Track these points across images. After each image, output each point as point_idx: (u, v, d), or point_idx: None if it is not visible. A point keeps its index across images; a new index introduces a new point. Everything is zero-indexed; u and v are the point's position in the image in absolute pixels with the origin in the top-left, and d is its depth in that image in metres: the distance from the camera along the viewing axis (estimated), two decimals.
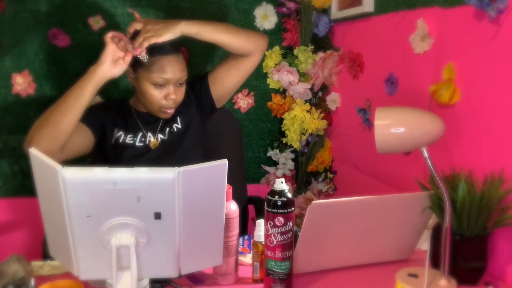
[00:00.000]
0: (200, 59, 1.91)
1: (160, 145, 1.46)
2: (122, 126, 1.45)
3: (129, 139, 1.45)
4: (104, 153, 1.45)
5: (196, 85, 1.53)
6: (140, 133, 1.46)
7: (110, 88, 1.84)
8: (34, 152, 0.87)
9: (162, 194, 0.86)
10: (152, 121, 1.47)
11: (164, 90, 1.38)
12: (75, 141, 1.33)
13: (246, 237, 1.24)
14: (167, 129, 1.49)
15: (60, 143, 1.26)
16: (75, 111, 1.26)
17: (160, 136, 1.47)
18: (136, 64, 1.35)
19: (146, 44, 1.30)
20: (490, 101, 1.17)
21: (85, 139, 1.39)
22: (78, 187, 0.84)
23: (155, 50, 1.34)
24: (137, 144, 1.45)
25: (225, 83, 1.51)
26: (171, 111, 1.42)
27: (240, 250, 1.17)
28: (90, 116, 1.38)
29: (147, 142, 1.46)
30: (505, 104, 1.13)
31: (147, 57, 1.33)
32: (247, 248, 1.22)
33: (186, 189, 0.86)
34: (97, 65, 1.28)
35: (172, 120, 1.49)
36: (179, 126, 1.50)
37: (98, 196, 0.85)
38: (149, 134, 1.46)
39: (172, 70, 1.36)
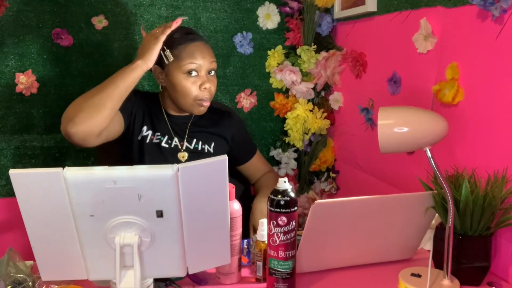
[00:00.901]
0: None
1: (187, 155, 1.45)
2: (151, 124, 1.44)
3: (156, 139, 1.44)
4: (130, 148, 1.43)
5: (243, 143, 1.59)
6: (167, 135, 1.45)
7: None
8: (17, 172, 0.83)
9: (163, 192, 0.86)
10: (180, 127, 1.47)
11: (198, 79, 1.37)
12: (111, 128, 1.32)
13: (245, 242, 1.22)
14: (194, 140, 1.47)
15: (101, 127, 1.25)
16: (120, 97, 1.26)
17: (186, 145, 1.46)
18: (163, 62, 1.36)
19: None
20: (493, 101, 1.17)
21: (118, 125, 1.38)
22: (80, 187, 0.84)
23: (182, 40, 1.36)
24: (163, 144, 1.44)
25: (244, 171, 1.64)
26: (207, 104, 1.39)
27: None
28: (124, 103, 1.36)
29: (172, 146, 1.44)
30: (508, 103, 1.12)
31: (171, 56, 1.35)
32: (246, 257, 1.21)
33: (187, 186, 0.86)
34: (147, 59, 1.28)
35: (205, 140, 1.48)
36: (212, 151, 1.49)
37: (99, 195, 0.85)
38: (176, 139, 1.45)
39: (202, 55, 1.36)
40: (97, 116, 1.23)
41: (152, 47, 1.29)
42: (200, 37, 1.42)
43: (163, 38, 1.30)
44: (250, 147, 1.64)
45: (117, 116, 1.36)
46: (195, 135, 1.48)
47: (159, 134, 1.44)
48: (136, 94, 1.45)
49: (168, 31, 1.31)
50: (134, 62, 1.28)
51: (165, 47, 1.35)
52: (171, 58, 1.34)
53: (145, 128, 1.43)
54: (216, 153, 1.49)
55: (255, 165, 1.64)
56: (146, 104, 1.46)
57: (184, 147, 1.45)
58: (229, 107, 1.63)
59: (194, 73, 1.36)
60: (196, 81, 1.37)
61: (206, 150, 1.48)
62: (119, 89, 1.26)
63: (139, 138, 1.42)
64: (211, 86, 1.38)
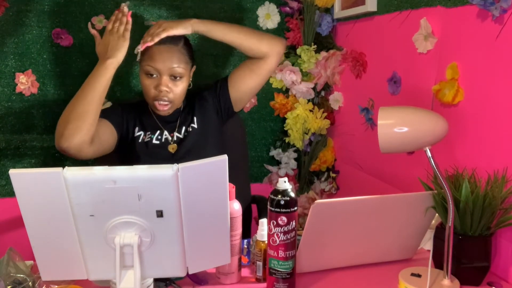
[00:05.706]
0: (204, 59, 1.91)
1: (177, 146, 1.46)
2: (142, 125, 1.46)
3: (147, 137, 1.45)
4: (126, 154, 1.46)
5: (216, 85, 1.53)
6: (158, 131, 1.46)
7: (113, 87, 1.84)
8: (17, 172, 0.83)
9: (163, 192, 0.86)
10: (169, 121, 1.47)
11: (156, 81, 1.38)
12: (102, 136, 1.35)
13: (245, 242, 1.23)
14: (184, 128, 1.48)
15: (90, 134, 1.28)
16: (100, 98, 1.29)
17: (176, 134, 1.47)
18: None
19: (156, 39, 1.35)
20: (493, 101, 1.17)
21: (110, 134, 1.40)
22: (80, 187, 0.84)
23: None
24: (154, 141, 1.45)
25: (242, 85, 1.50)
26: (163, 107, 1.40)
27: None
28: (110, 114, 1.42)
29: (163, 140, 1.46)
30: (508, 103, 1.12)
31: (139, 54, 1.36)
32: (246, 257, 1.21)
33: (187, 186, 0.86)
34: (116, 56, 1.31)
35: (189, 120, 1.49)
36: (195, 126, 1.48)
37: (99, 195, 0.85)
38: (166, 132, 1.47)
39: (162, 59, 1.36)
40: (84, 125, 1.26)
41: (121, 46, 1.31)
42: (169, 40, 1.38)
43: (128, 34, 1.33)
44: (222, 81, 1.54)
45: (106, 125, 1.39)
46: (184, 124, 1.49)
47: (149, 132, 1.46)
48: (122, 105, 1.49)
49: (129, 27, 1.34)
50: (103, 62, 1.30)
51: (141, 42, 1.37)
52: (139, 57, 1.37)
53: (137, 129, 1.46)
54: (200, 124, 1.49)
55: (236, 75, 1.52)
56: (134, 111, 1.49)
57: (174, 138, 1.46)
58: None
59: (154, 75, 1.38)
60: (154, 82, 1.38)
61: (190, 128, 1.48)
62: (97, 91, 1.29)
63: (133, 140, 1.45)
64: (168, 90, 1.38)
